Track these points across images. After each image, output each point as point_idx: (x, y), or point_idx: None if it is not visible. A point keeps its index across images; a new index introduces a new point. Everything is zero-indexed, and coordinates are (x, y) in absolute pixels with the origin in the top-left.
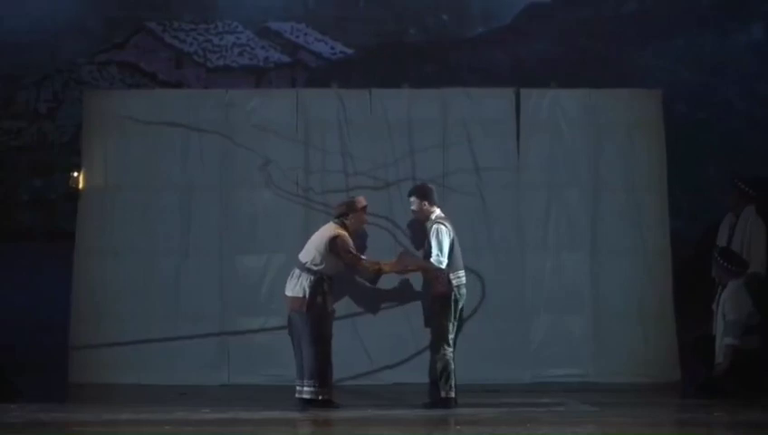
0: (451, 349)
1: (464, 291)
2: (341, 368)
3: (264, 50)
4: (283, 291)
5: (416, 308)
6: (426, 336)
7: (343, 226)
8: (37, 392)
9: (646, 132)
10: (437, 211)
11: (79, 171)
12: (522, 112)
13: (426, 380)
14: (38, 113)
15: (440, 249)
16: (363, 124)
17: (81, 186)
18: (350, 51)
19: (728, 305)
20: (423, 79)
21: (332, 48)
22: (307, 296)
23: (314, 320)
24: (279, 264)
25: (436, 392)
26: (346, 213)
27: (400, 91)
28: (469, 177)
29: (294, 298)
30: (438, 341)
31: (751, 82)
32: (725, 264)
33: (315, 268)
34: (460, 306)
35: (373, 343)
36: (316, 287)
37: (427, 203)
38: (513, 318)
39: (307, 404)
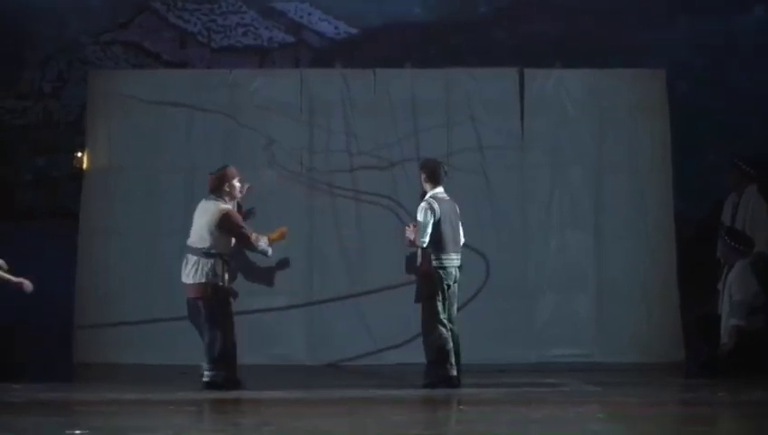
0: (445, 328)
1: (451, 271)
2: (345, 348)
3: (268, 30)
4: (287, 270)
5: None
6: None
7: (222, 200)
8: (42, 372)
9: (650, 113)
10: (436, 190)
11: (83, 151)
12: (526, 92)
13: None
14: (42, 93)
15: (421, 228)
16: (367, 104)
17: (85, 165)
18: (353, 31)
19: (735, 286)
20: (427, 59)
21: (336, 28)
22: (210, 281)
23: (219, 304)
24: (283, 243)
25: (435, 372)
26: (220, 186)
27: (404, 70)
28: (473, 156)
29: (197, 285)
30: (430, 321)
31: (755, 62)
32: (733, 243)
33: (213, 251)
34: (445, 286)
35: (376, 324)
36: (217, 270)
37: (425, 179)
38: (518, 298)
39: (208, 387)
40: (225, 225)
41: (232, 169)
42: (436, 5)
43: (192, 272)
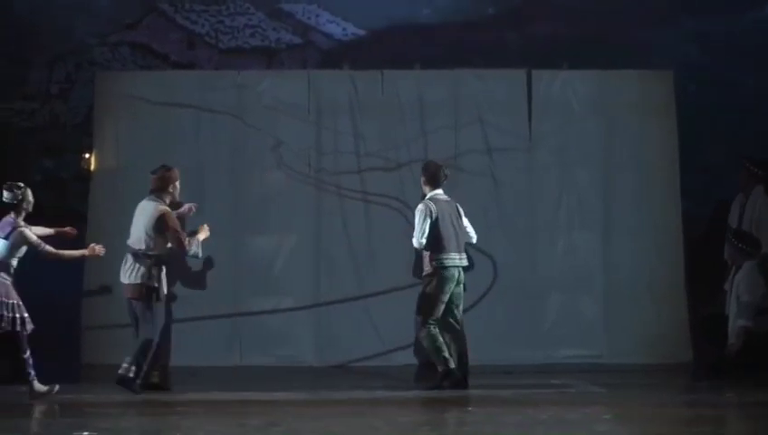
0: (435, 325)
1: (452, 272)
2: (352, 349)
3: (276, 31)
4: (295, 271)
5: None
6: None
7: (162, 201)
8: (50, 373)
9: (657, 113)
10: (435, 192)
11: (91, 152)
12: (533, 93)
13: None
14: (50, 94)
15: (418, 229)
16: (375, 105)
17: (92, 167)
18: (361, 32)
19: (742, 287)
20: (434, 60)
21: (344, 29)
22: (145, 282)
23: (153, 305)
24: (291, 245)
25: (432, 372)
26: (164, 187)
27: (412, 72)
28: (481, 158)
29: (132, 285)
30: (424, 320)
31: (761, 62)
32: (740, 244)
33: (151, 253)
34: (450, 288)
35: (384, 325)
36: (152, 271)
37: (425, 181)
38: (525, 299)
39: (121, 382)
40: (161, 226)
41: (176, 171)
42: (443, 7)
43: (129, 272)
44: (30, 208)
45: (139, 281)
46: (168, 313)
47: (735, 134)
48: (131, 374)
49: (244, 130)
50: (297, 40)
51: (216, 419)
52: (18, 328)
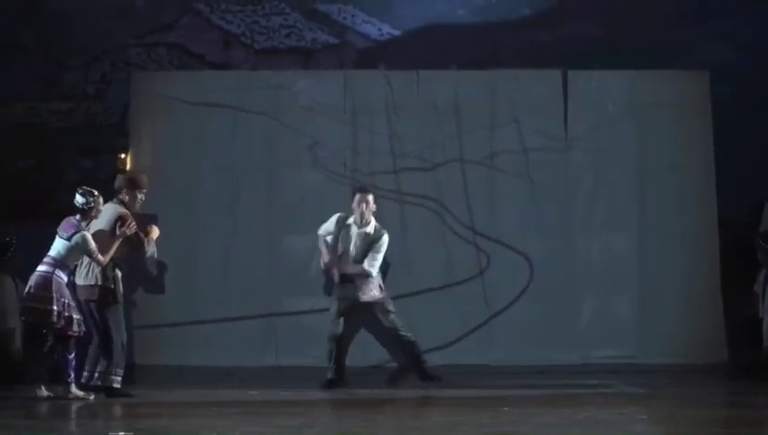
0: (409, 333)
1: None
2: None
3: (312, 31)
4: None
5: (462, 291)
6: (472, 319)
7: (122, 203)
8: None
9: (692, 113)
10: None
11: (126, 152)
12: (569, 94)
13: (471, 361)
14: (86, 94)
15: (379, 259)
16: (410, 105)
17: (128, 167)
18: (397, 32)
19: None
20: (470, 60)
21: (380, 29)
22: (100, 284)
23: (110, 307)
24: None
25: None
26: (124, 188)
27: (447, 72)
28: (516, 158)
29: (87, 287)
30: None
31: None
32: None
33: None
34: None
35: (420, 325)
36: (107, 273)
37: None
38: (561, 299)
39: (116, 394)
40: (121, 229)
41: (145, 179)
42: (479, 7)
43: (84, 273)
44: (98, 217)
45: (93, 283)
46: (127, 316)
47: None
48: (115, 384)
49: (279, 130)
50: (333, 40)
51: (252, 419)
52: (65, 327)
